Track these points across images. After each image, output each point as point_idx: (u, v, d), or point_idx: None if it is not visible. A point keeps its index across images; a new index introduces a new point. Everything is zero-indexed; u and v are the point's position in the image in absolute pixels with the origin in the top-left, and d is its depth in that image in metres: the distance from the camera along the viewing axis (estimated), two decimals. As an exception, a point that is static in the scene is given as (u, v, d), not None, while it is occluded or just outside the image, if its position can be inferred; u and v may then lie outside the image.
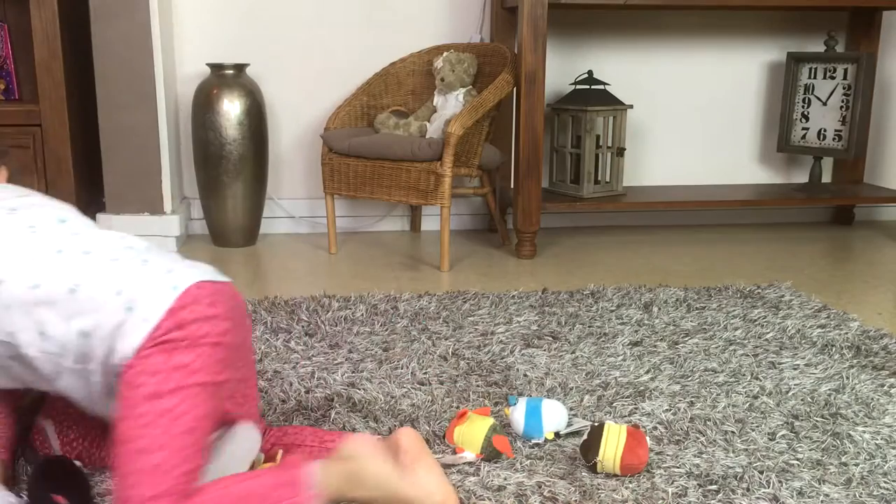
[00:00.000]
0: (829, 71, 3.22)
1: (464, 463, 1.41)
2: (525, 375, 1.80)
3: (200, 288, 1.15)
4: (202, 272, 1.19)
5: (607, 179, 3.13)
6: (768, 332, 2.08)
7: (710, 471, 1.40)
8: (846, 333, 2.07)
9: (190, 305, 1.12)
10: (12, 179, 1.49)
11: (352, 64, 3.14)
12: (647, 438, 1.43)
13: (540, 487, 1.34)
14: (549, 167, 3.18)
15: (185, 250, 2.96)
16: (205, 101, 2.89)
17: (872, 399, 1.69)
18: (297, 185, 3.25)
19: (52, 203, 1.30)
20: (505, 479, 1.36)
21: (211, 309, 1.14)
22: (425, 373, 1.81)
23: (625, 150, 3.10)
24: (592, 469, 1.39)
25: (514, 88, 2.80)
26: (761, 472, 1.39)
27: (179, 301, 1.12)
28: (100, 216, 2.90)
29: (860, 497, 1.33)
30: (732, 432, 1.55)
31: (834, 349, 1.96)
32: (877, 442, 1.51)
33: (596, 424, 1.42)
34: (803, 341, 2.02)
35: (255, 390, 1.33)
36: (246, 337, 1.26)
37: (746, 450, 1.48)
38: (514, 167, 2.93)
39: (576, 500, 1.31)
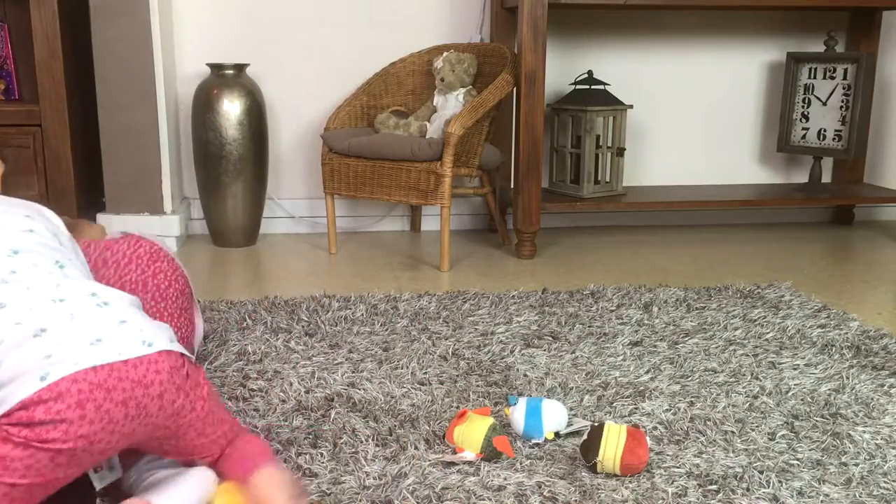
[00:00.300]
0: (829, 71, 3.22)
1: (464, 463, 1.41)
2: (525, 375, 1.80)
3: (77, 381, 1.04)
4: (102, 353, 1.08)
5: (607, 179, 3.13)
6: (768, 332, 2.08)
7: (710, 471, 1.40)
8: (846, 333, 2.07)
9: (48, 402, 1.02)
10: (8, 179, 1.48)
11: (352, 64, 3.14)
12: (647, 438, 1.43)
13: (540, 487, 1.34)
14: (549, 167, 3.18)
15: (185, 250, 2.96)
16: (205, 101, 2.89)
17: (872, 399, 1.69)
18: (297, 185, 3.25)
19: (13, 224, 1.23)
20: (505, 479, 1.37)
21: (74, 410, 1.03)
22: (425, 373, 1.81)
23: (625, 150, 3.10)
24: (592, 469, 1.39)
25: (514, 88, 2.80)
26: (761, 472, 1.39)
27: (39, 395, 1.02)
28: (100, 216, 2.90)
29: (860, 497, 1.33)
30: (732, 432, 1.55)
31: (834, 349, 1.96)
32: (877, 442, 1.52)
33: (596, 424, 1.42)
34: (803, 341, 2.02)
35: (201, 438, 1.22)
36: (161, 413, 1.14)
37: (746, 450, 1.48)
38: (514, 167, 2.93)
39: (576, 500, 1.31)
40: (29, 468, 1.03)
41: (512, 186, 3.04)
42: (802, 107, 3.31)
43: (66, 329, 1.09)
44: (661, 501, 1.32)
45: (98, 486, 1.21)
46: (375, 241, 3.13)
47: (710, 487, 1.35)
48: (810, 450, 1.48)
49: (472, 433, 1.43)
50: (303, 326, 2.09)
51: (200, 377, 1.22)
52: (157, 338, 1.15)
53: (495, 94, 2.71)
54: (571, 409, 1.64)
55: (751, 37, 3.36)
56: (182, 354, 1.18)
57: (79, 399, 1.04)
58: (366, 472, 1.38)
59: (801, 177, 3.50)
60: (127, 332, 1.13)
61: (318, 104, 3.17)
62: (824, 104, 3.26)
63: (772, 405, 1.67)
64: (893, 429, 1.57)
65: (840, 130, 3.22)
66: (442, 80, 2.88)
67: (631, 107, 3.09)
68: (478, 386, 1.75)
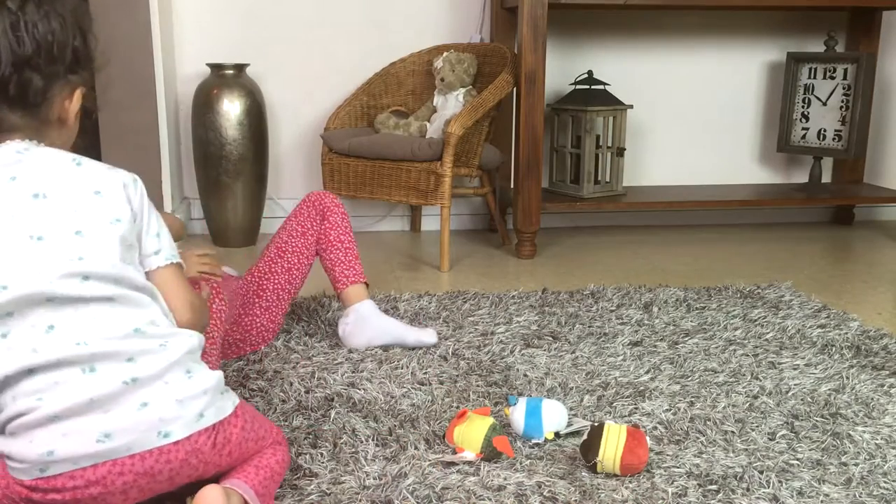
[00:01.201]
0: (829, 71, 3.22)
1: (464, 463, 1.41)
2: (525, 375, 1.80)
3: (73, 478, 1.06)
4: (106, 451, 1.06)
5: (607, 179, 3.13)
6: (768, 332, 2.08)
7: (710, 471, 1.40)
8: (846, 333, 2.07)
9: (45, 491, 1.07)
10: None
11: (352, 64, 3.14)
12: (647, 438, 1.43)
13: (540, 487, 1.34)
14: (549, 167, 3.18)
15: (185, 251, 2.95)
16: (205, 101, 2.89)
17: (872, 399, 1.69)
18: (297, 185, 3.25)
19: (63, 252, 1.09)
20: (505, 479, 1.36)
21: (69, 499, 1.07)
22: (425, 373, 1.81)
23: (625, 150, 3.10)
24: (592, 469, 1.39)
25: (514, 88, 2.80)
26: (761, 472, 1.39)
27: (36, 483, 1.06)
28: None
29: (860, 497, 1.33)
30: (732, 432, 1.55)
31: (834, 349, 1.96)
32: (877, 442, 1.51)
33: (596, 424, 1.42)
34: (803, 341, 2.02)
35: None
36: (174, 485, 1.15)
37: (746, 450, 1.48)
38: (514, 167, 2.93)
39: (576, 500, 1.31)
40: None
41: (512, 186, 3.04)
42: (802, 107, 3.31)
43: (77, 420, 1.06)
44: (661, 501, 1.32)
45: None
46: (375, 241, 3.13)
47: (710, 487, 1.35)
48: (810, 450, 1.48)
49: (472, 433, 1.43)
50: (303, 326, 2.09)
51: (232, 430, 1.18)
52: (179, 422, 1.11)
53: (495, 94, 2.71)
54: (571, 409, 1.64)
55: (751, 37, 3.36)
56: (210, 426, 1.14)
57: (73, 494, 1.07)
58: (366, 472, 1.38)
59: (801, 177, 3.50)
60: (143, 422, 1.08)
61: (318, 104, 3.17)
62: (824, 104, 3.26)
63: (772, 405, 1.67)
64: (893, 429, 1.57)
65: (840, 130, 3.22)
66: (442, 80, 2.88)
67: (631, 107, 3.09)
68: (478, 386, 1.75)
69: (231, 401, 1.20)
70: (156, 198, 2.88)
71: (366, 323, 1.93)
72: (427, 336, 1.95)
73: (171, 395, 1.11)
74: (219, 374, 1.19)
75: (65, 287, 1.07)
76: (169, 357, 1.12)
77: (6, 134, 1.12)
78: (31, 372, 1.06)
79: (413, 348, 1.93)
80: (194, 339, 1.18)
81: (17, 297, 1.06)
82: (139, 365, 1.10)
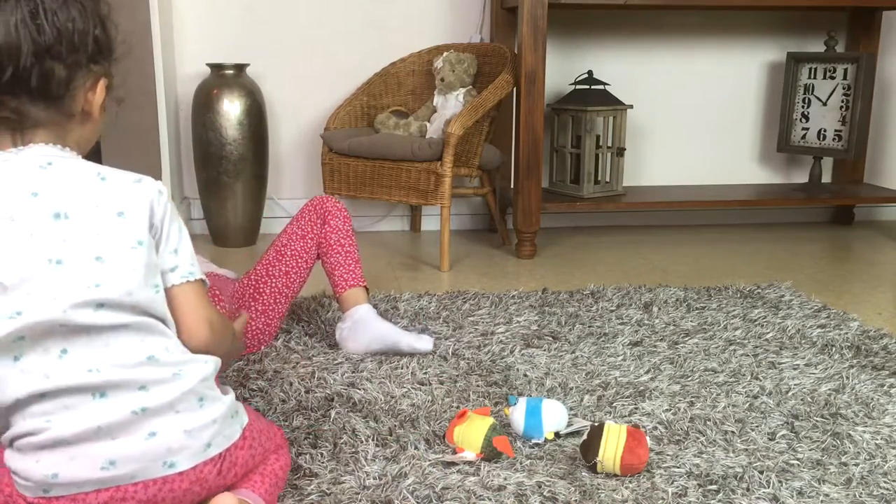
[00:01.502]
0: (829, 71, 3.22)
1: (464, 463, 1.41)
2: (525, 375, 1.80)
3: (76, 500, 1.05)
4: (110, 479, 1.05)
5: (607, 179, 3.13)
6: (768, 332, 2.08)
7: (710, 471, 1.40)
8: (846, 333, 2.07)
9: None
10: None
11: (352, 64, 3.14)
12: (647, 438, 1.43)
13: (540, 487, 1.34)
14: (549, 167, 3.18)
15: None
16: (205, 101, 2.89)
17: (872, 399, 1.69)
18: (297, 185, 3.25)
19: (79, 277, 1.04)
20: (505, 479, 1.37)
21: None
22: (425, 373, 1.81)
23: (625, 150, 3.10)
24: (592, 469, 1.39)
25: (514, 88, 2.80)
26: (761, 472, 1.39)
27: (38, 501, 1.05)
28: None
29: (860, 497, 1.33)
30: (732, 432, 1.55)
31: (834, 349, 1.96)
32: (877, 442, 1.52)
33: (596, 424, 1.42)
34: (803, 341, 2.02)
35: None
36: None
37: (746, 450, 1.48)
38: (514, 167, 2.93)
39: (576, 500, 1.31)
40: None
41: (512, 186, 3.04)
42: (802, 107, 3.31)
43: (84, 446, 1.05)
44: (661, 501, 1.32)
45: None
46: (375, 241, 3.13)
47: (710, 487, 1.35)
48: (810, 450, 1.48)
49: (472, 433, 1.43)
50: (303, 326, 2.09)
51: (239, 453, 1.17)
52: (186, 452, 1.09)
53: (495, 94, 2.71)
54: (571, 409, 1.64)
55: (751, 37, 3.36)
56: (217, 455, 1.13)
57: None
58: (366, 472, 1.38)
59: (801, 177, 3.50)
60: (149, 451, 1.07)
61: (318, 104, 3.17)
62: (824, 104, 3.26)
63: (772, 405, 1.67)
64: (893, 429, 1.57)
65: (840, 130, 3.22)
66: (442, 80, 2.88)
67: (631, 107, 3.09)
68: (478, 386, 1.75)
69: (239, 423, 1.18)
70: (156, 198, 2.89)
71: (362, 327, 1.90)
72: (422, 343, 1.89)
73: (181, 425, 1.09)
74: (230, 398, 1.17)
75: (78, 316, 1.04)
76: (182, 386, 1.10)
77: (30, 131, 1.08)
78: (42, 396, 1.04)
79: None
80: (209, 365, 1.15)
81: (30, 324, 1.03)
82: (151, 394, 1.07)
